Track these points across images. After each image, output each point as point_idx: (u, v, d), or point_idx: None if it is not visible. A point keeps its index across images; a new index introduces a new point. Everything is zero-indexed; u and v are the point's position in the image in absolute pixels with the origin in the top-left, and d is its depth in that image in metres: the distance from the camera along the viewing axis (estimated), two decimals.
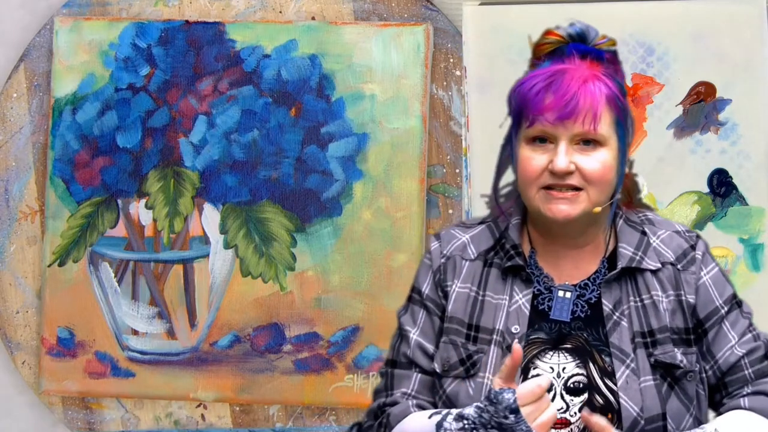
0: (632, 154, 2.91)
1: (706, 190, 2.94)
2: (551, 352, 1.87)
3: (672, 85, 2.94)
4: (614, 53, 1.90)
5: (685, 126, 2.95)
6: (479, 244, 1.96)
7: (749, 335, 1.90)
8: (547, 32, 1.91)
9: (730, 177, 2.93)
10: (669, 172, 2.94)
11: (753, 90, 2.91)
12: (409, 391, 1.92)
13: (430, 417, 1.82)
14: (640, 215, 1.97)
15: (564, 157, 1.81)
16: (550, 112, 1.81)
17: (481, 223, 2.00)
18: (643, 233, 1.93)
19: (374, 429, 1.93)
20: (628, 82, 2.95)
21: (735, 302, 1.93)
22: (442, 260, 1.96)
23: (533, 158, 1.84)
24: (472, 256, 1.95)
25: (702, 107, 2.94)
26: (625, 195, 1.96)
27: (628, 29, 2.94)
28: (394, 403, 1.92)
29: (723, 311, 1.90)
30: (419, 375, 1.93)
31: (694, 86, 2.93)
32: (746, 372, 1.88)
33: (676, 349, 1.86)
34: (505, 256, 1.92)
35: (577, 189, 1.83)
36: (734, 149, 2.93)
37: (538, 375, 1.86)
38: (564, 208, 1.84)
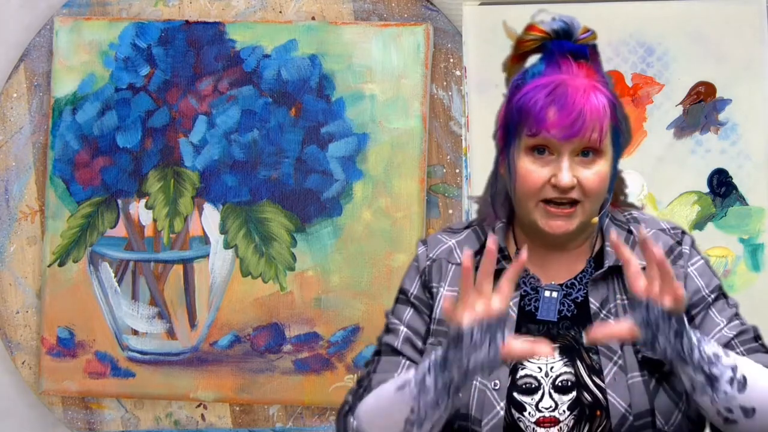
0: (632, 155, 2.93)
1: (706, 190, 2.94)
2: None
3: (672, 85, 2.94)
4: (595, 47, 1.89)
5: (685, 126, 2.95)
6: (466, 248, 1.95)
7: (737, 321, 1.90)
8: (530, 27, 1.89)
9: (730, 177, 2.93)
10: (669, 172, 2.94)
11: (753, 90, 2.90)
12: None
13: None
14: (626, 214, 1.97)
15: (568, 172, 1.81)
16: (555, 129, 1.80)
17: (467, 227, 1.99)
18: (629, 232, 1.93)
19: (353, 393, 1.90)
20: (628, 82, 2.95)
21: (721, 293, 1.93)
22: (428, 263, 1.96)
23: (534, 171, 1.83)
24: (459, 261, 1.93)
25: (702, 107, 2.94)
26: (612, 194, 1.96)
27: (628, 29, 2.94)
28: (365, 385, 1.90)
29: (709, 299, 1.90)
30: (407, 362, 1.91)
31: (694, 86, 2.93)
32: (738, 351, 1.86)
33: None
34: None
35: (574, 203, 1.83)
36: (734, 149, 2.93)
37: (526, 375, 1.86)
38: (562, 224, 1.84)
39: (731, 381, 1.74)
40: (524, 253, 1.72)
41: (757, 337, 1.90)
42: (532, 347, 1.71)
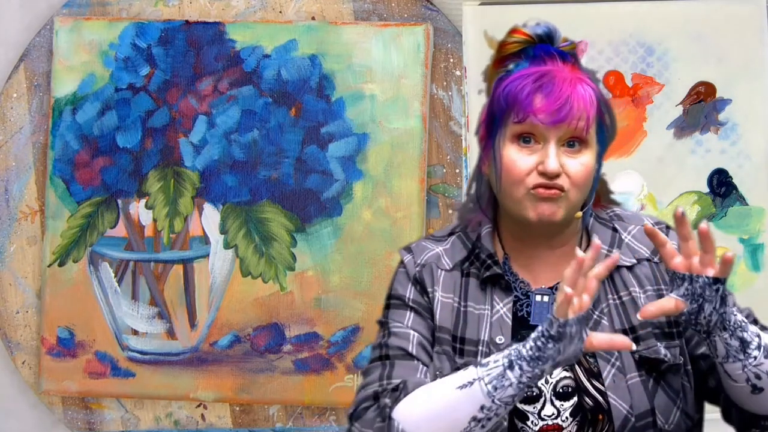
0: (632, 154, 2.93)
1: (706, 190, 2.94)
2: None
3: (672, 85, 2.94)
4: (575, 56, 1.89)
5: (685, 126, 2.95)
6: (453, 255, 1.94)
7: (735, 307, 1.91)
8: (514, 30, 1.89)
9: (730, 177, 2.93)
10: (669, 172, 2.94)
11: (753, 90, 2.91)
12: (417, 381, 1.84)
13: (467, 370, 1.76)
14: (609, 212, 1.97)
15: (555, 159, 1.81)
16: (543, 114, 1.80)
17: (451, 234, 1.98)
18: (614, 230, 1.93)
19: (386, 395, 1.81)
20: (628, 82, 2.95)
21: None
22: (417, 269, 1.93)
23: (520, 159, 1.83)
24: (448, 267, 1.92)
25: (702, 107, 2.94)
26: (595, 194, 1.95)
27: (628, 29, 2.94)
28: (401, 387, 1.82)
29: None
30: (424, 368, 1.87)
31: (694, 86, 2.94)
32: None
33: (658, 344, 1.86)
34: (482, 267, 1.90)
35: (560, 190, 1.83)
36: (734, 149, 2.93)
37: None
38: (549, 206, 1.82)
39: (759, 347, 1.77)
40: (616, 255, 1.73)
41: (756, 320, 1.92)
42: (612, 340, 1.73)
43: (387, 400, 1.80)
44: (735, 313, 1.76)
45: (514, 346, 1.73)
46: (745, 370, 1.77)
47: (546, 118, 1.80)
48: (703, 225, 1.72)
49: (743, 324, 1.76)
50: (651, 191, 2.95)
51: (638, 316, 1.78)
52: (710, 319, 1.74)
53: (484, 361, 1.75)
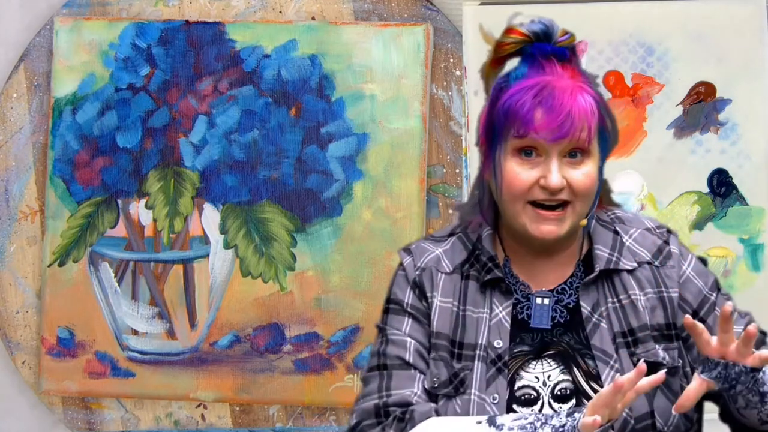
0: (632, 154, 2.93)
1: (706, 190, 2.94)
2: (535, 362, 1.85)
3: (672, 85, 2.94)
4: (574, 49, 1.88)
5: (685, 126, 2.95)
6: (453, 257, 1.93)
7: (736, 313, 1.91)
8: (510, 30, 1.88)
9: (730, 177, 2.93)
10: (669, 172, 2.94)
11: (753, 90, 2.91)
12: (417, 392, 1.86)
13: (479, 422, 1.75)
14: (610, 214, 1.96)
15: (557, 173, 1.80)
16: (544, 131, 1.79)
17: (451, 234, 1.97)
18: (616, 233, 1.93)
19: (392, 425, 1.83)
20: (628, 82, 2.95)
21: (717, 288, 1.94)
22: (417, 272, 1.92)
23: (522, 173, 1.82)
24: (448, 270, 1.91)
25: (702, 107, 2.94)
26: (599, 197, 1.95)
27: (628, 29, 2.94)
28: (404, 402, 1.84)
29: (713, 298, 1.91)
30: (420, 376, 1.88)
31: (694, 86, 2.94)
32: None
33: (657, 347, 1.86)
34: (482, 269, 1.90)
35: (564, 204, 1.82)
36: (734, 149, 2.93)
37: (525, 386, 1.84)
38: (552, 228, 1.82)
39: None
40: (642, 365, 1.70)
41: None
42: None
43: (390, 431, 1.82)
44: (761, 374, 1.76)
45: (531, 420, 1.72)
46: (760, 414, 1.78)
47: (548, 135, 1.79)
48: (752, 328, 1.71)
49: (764, 377, 1.76)
50: (651, 191, 2.95)
51: (674, 411, 1.78)
52: (741, 393, 1.75)
53: (499, 421, 1.73)
